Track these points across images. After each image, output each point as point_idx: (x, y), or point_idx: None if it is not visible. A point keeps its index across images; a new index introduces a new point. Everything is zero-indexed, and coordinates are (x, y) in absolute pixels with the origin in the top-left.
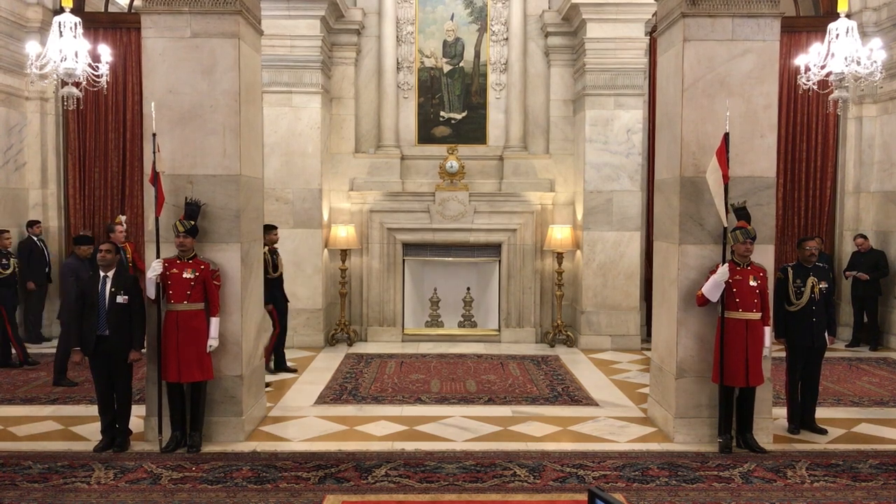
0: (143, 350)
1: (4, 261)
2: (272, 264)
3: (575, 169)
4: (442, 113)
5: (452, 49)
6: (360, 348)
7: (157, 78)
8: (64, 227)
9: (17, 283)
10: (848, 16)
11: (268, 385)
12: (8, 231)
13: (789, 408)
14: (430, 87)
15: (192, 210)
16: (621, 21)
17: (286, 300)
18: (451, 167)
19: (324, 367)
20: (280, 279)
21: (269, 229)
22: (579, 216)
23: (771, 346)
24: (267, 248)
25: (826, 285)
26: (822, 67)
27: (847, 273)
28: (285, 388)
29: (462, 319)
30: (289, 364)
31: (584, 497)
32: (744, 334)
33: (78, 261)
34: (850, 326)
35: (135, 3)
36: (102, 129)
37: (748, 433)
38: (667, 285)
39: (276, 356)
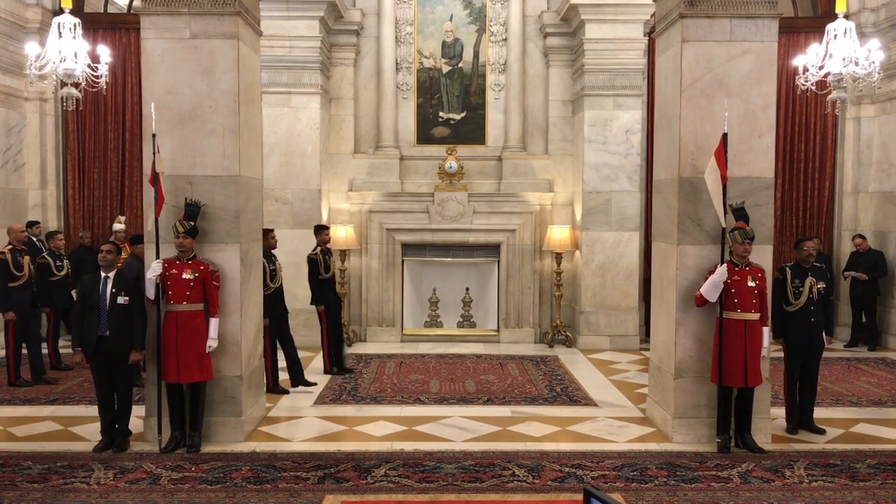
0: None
1: (59, 262)
2: (324, 265)
3: (574, 169)
4: (441, 113)
5: (451, 50)
6: (360, 348)
7: (157, 79)
8: (63, 227)
9: (69, 285)
10: (846, 16)
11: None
12: (61, 233)
13: (788, 408)
14: (429, 88)
15: (192, 211)
16: (620, 22)
17: (340, 302)
18: (450, 168)
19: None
20: (332, 281)
21: (321, 230)
22: (578, 216)
23: (769, 346)
24: (319, 248)
25: (824, 285)
26: (821, 68)
27: (846, 273)
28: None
29: (461, 320)
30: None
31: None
32: (742, 334)
33: (138, 260)
34: (848, 327)
35: (134, 4)
36: (102, 130)
37: (746, 433)
38: (665, 286)
39: (334, 357)
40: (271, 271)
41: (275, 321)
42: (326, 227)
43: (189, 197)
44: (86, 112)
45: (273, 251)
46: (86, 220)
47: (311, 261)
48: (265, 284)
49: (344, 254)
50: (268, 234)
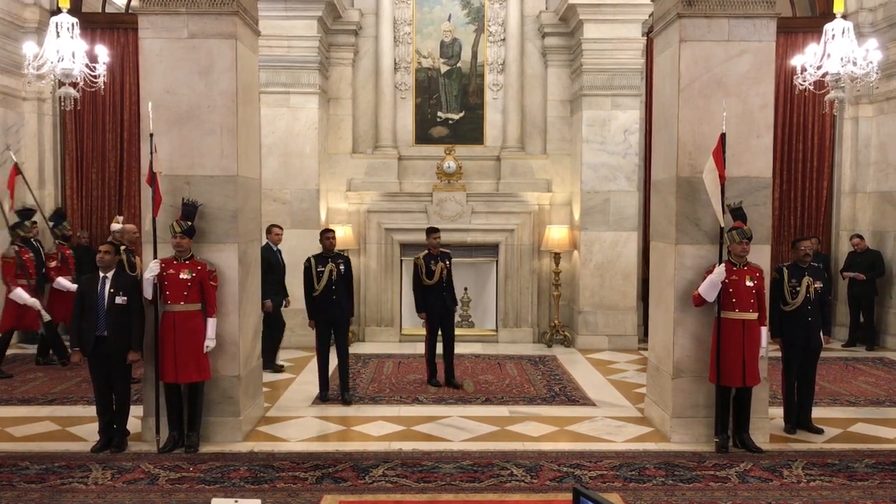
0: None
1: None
2: (426, 270)
3: (572, 169)
4: (439, 113)
5: (450, 49)
6: (358, 348)
7: (155, 78)
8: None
9: None
10: (844, 16)
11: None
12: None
13: (786, 407)
14: (427, 88)
15: (189, 210)
16: (618, 21)
17: (444, 308)
18: (449, 167)
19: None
20: (437, 286)
21: (431, 232)
22: (576, 216)
23: (767, 346)
24: (427, 251)
25: (821, 285)
26: (819, 68)
27: (844, 274)
28: (282, 388)
29: (460, 319)
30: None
31: None
32: (740, 334)
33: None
34: (846, 326)
35: (132, 4)
36: (100, 130)
37: (745, 433)
38: (664, 285)
39: (442, 366)
40: (318, 273)
41: (324, 326)
42: (437, 230)
43: (186, 197)
44: (84, 112)
45: (333, 251)
46: (84, 220)
47: (414, 265)
48: (312, 287)
49: None
50: (323, 235)
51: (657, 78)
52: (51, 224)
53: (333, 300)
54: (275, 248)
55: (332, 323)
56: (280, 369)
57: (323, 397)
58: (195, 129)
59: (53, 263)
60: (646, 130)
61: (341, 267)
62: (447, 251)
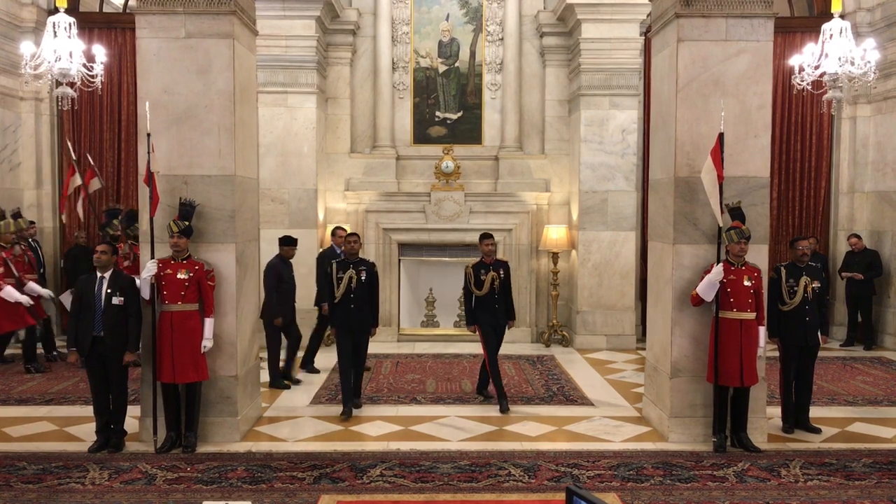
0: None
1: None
2: (474, 279)
3: (570, 169)
4: (437, 113)
5: (448, 49)
6: None
7: (152, 78)
8: (59, 227)
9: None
10: (842, 16)
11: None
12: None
13: (783, 407)
14: (425, 88)
15: (187, 210)
16: (616, 21)
17: (496, 322)
18: (447, 167)
19: (319, 367)
20: (488, 298)
21: (483, 238)
22: (575, 216)
23: (765, 345)
24: (480, 259)
25: (819, 285)
26: (816, 68)
27: (843, 274)
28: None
29: (458, 319)
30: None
31: None
32: (738, 334)
33: (283, 261)
34: (844, 326)
35: (129, 4)
36: (97, 130)
37: (742, 432)
38: (662, 285)
39: (481, 378)
40: (337, 279)
41: (343, 334)
42: (489, 236)
43: (184, 196)
44: (81, 112)
45: (357, 257)
46: (82, 221)
47: (464, 274)
48: (332, 293)
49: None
50: (345, 239)
51: (655, 78)
52: (123, 224)
53: (352, 308)
54: (339, 251)
55: (351, 331)
56: (315, 371)
57: (345, 413)
58: (193, 128)
59: (126, 263)
60: (644, 130)
61: (363, 275)
62: (504, 260)
